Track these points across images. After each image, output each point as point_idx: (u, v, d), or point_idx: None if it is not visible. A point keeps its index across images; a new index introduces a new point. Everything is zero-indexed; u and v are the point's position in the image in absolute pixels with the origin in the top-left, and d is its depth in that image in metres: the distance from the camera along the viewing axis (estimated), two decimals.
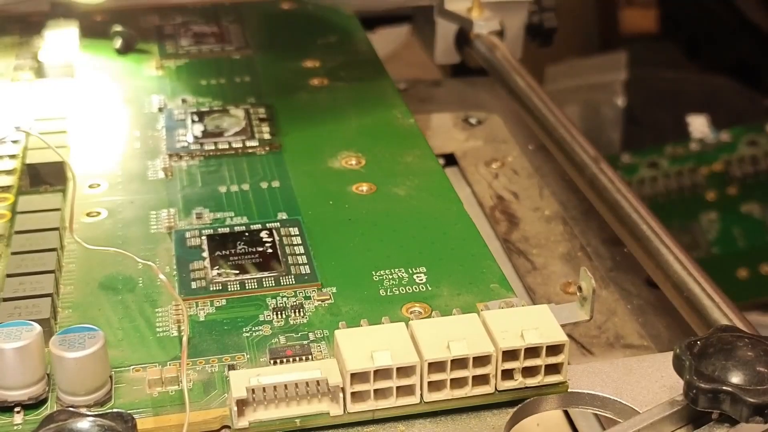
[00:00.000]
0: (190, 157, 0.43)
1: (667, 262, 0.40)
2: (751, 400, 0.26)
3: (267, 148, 0.44)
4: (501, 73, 0.54)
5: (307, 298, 0.34)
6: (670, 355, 0.29)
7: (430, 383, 0.29)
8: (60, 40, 0.53)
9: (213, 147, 0.44)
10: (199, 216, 0.39)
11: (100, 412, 0.27)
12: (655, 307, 0.42)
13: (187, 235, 0.37)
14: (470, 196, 0.49)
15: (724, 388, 0.27)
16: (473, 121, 0.55)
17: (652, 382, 0.31)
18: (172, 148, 0.44)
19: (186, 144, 0.44)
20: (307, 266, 0.36)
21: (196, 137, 0.44)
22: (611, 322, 0.41)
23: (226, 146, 0.44)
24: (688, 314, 0.39)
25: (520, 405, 0.30)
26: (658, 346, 0.40)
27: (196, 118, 0.46)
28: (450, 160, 0.52)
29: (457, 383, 0.29)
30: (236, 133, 0.45)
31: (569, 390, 0.30)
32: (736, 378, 0.27)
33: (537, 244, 0.45)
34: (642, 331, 0.41)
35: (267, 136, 0.45)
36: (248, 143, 0.44)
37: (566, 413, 0.37)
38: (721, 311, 0.37)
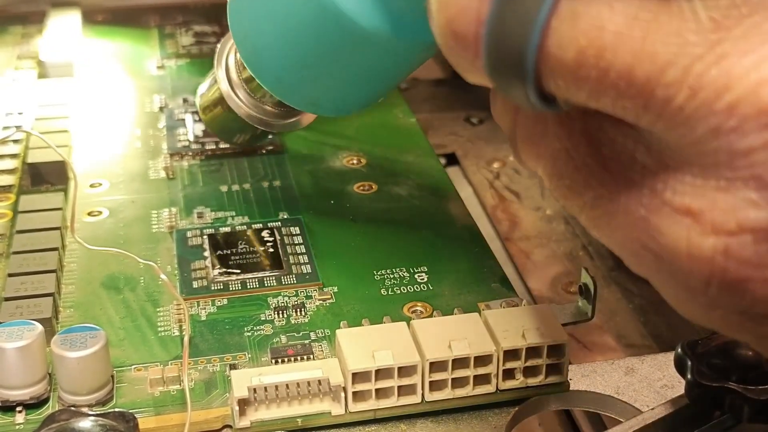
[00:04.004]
0: (191, 157, 0.43)
1: None
2: (753, 399, 0.26)
3: (268, 148, 0.44)
4: None
5: (309, 297, 0.34)
6: (671, 354, 0.29)
7: (431, 383, 0.29)
8: (61, 39, 0.53)
9: (214, 146, 0.44)
10: (200, 215, 0.39)
11: (102, 412, 0.27)
12: (657, 307, 0.42)
13: (189, 234, 0.37)
14: (471, 195, 0.49)
15: (725, 387, 0.27)
16: (474, 120, 0.55)
17: (653, 381, 0.31)
18: (173, 147, 0.44)
19: (187, 143, 0.44)
20: (309, 265, 0.36)
21: (197, 136, 0.44)
22: (613, 322, 0.41)
23: (227, 145, 0.44)
24: None
25: (521, 405, 0.30)
26: (659, 346, 0.40)
27: (197, 118, 0.46)
28: (451, 159, 0.52)
29: (458, 383, 0.29)
30: None
31: (570, 389, 0.30)
32: (737, 378, 0.27)
33: (538, 243, 0.45)
34: (644, 331, 0.41)
35: (268, 135, 0.45)
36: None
37: (568, 413, 0.37)
38: None
